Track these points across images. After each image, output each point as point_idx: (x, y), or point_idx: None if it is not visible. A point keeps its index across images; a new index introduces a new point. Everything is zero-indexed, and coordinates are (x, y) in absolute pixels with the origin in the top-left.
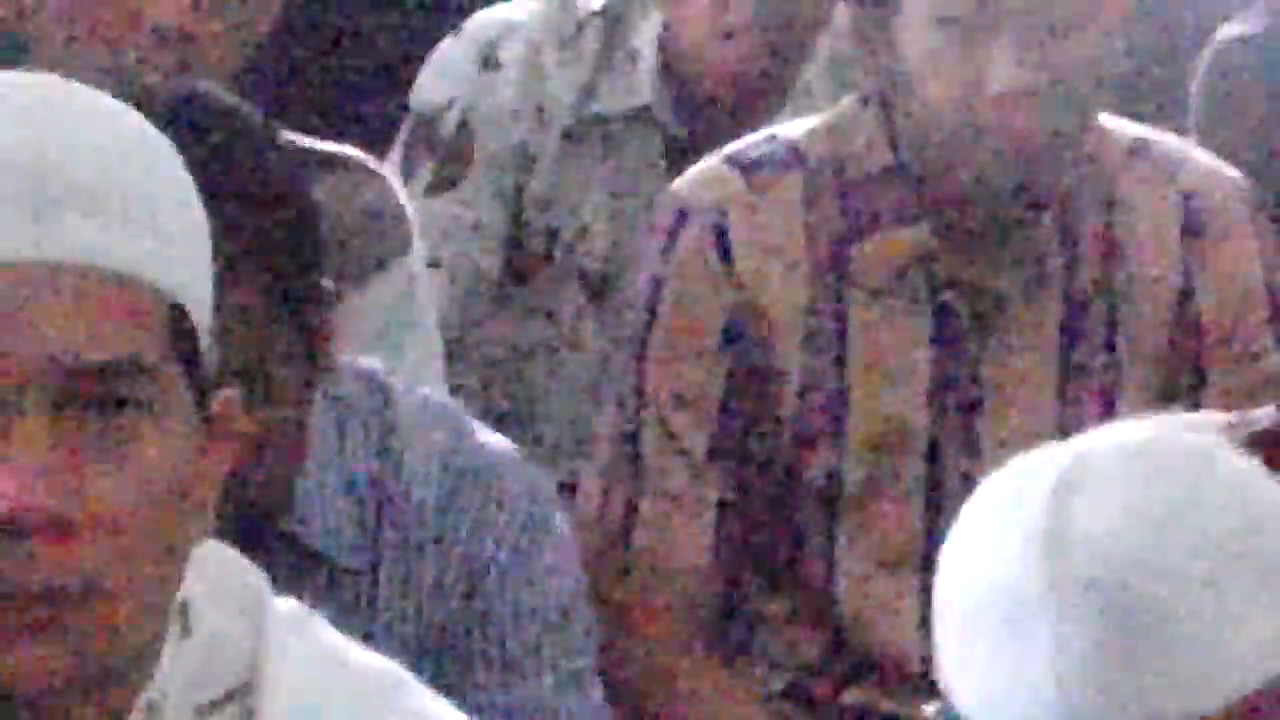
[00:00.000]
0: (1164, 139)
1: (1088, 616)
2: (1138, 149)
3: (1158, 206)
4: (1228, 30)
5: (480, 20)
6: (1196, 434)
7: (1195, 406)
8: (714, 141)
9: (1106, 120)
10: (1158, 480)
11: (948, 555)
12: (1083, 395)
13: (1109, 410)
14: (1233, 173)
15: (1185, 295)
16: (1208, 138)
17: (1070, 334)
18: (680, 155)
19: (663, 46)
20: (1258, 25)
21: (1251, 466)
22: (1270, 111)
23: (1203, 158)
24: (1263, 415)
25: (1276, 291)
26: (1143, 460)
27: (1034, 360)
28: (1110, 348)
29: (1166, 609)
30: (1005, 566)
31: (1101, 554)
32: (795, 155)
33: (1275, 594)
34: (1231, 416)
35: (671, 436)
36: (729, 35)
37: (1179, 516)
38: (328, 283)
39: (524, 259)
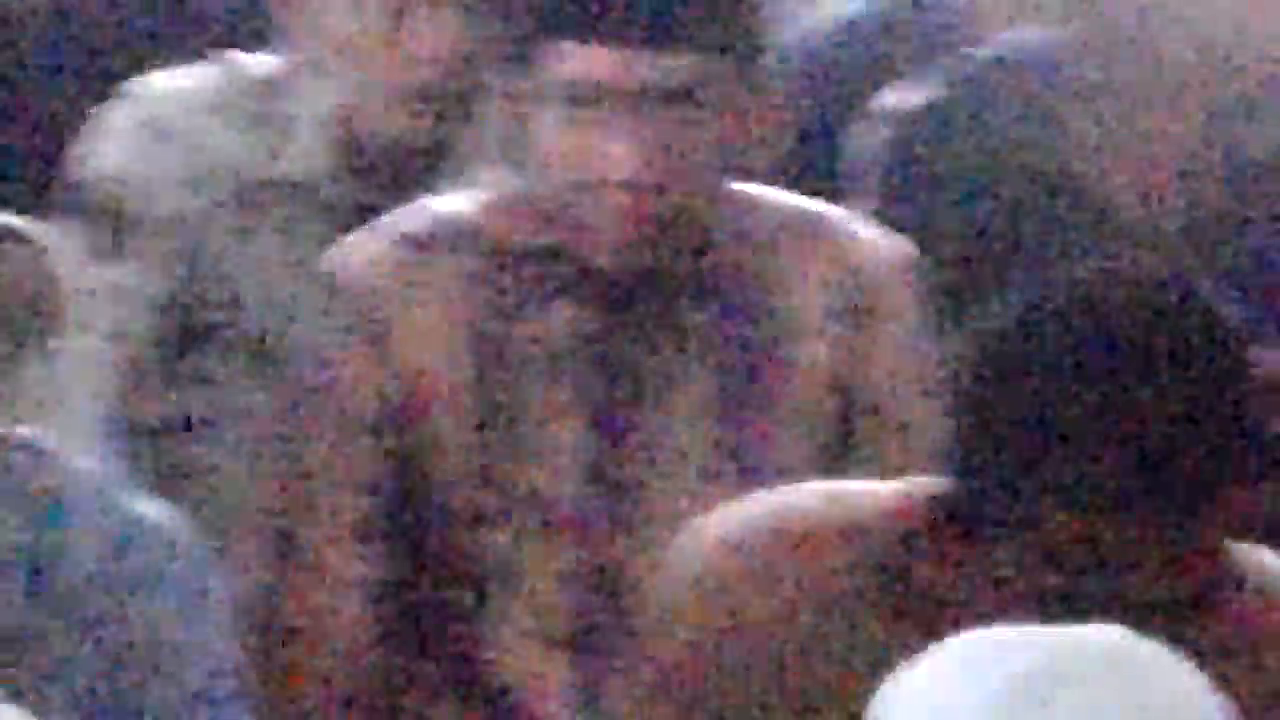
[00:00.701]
0: (823, 209)
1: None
2: (795, 220)
3: (816, 279)
4: (900, 99)
5: (144, 85)
6: (1149, 643)
7: (850, 477)
8: (378, 211)
9: (762, 192)
10: (1115, 693)
11: (888, 710)
12: (738, 476)
13: (764, 487)
14: (895, 242)
15: (843, 369)
16: (884, 203)
17: (726, 413)
18: (343, 226)
19: (329, 114)
20: (937, 94)
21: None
22: (951, 181)
23: (864, 228)
24: (929, 483)
25: (932, 361)
26: (1107, 670)
27: (689, 439)
28: (766, 426)
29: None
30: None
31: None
32: (456, 230)
33: None
34: (897, 486)
35: (328, 511)
36: (396, 102)
37: None
38: None
39: (185, 328)
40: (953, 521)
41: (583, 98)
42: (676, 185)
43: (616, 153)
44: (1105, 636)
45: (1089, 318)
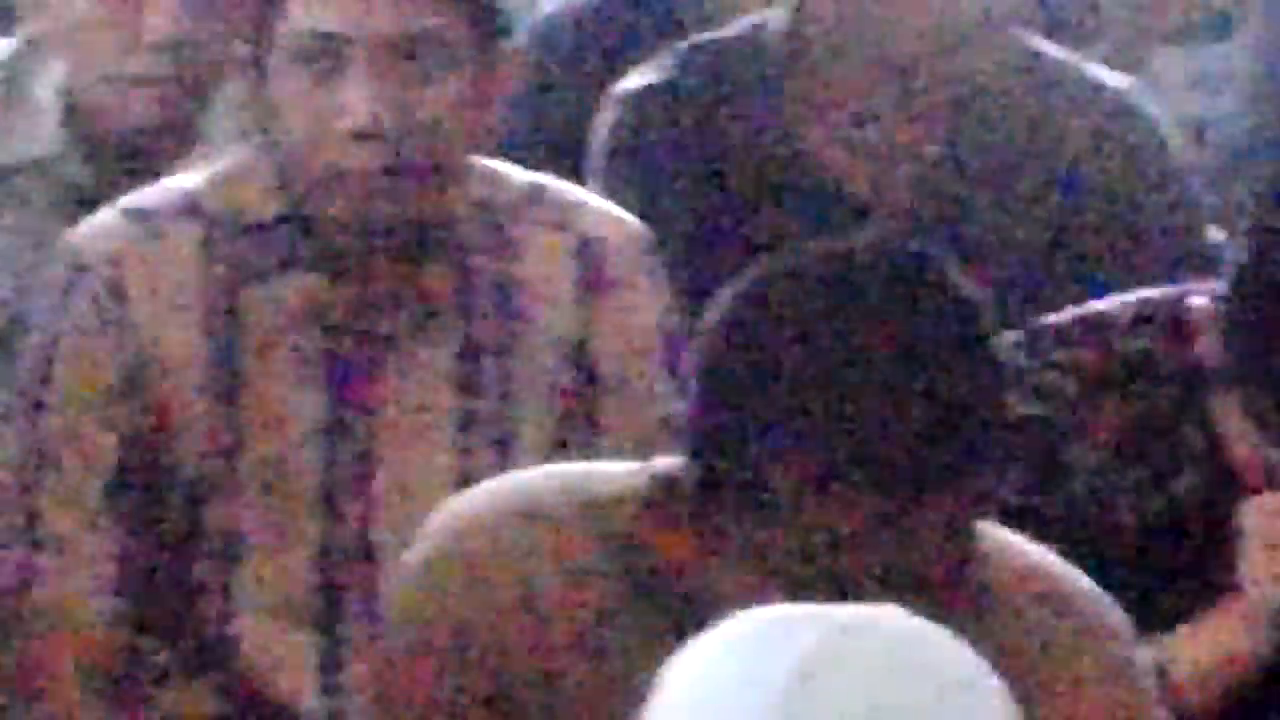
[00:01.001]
0: (562, 186)
1: None
2: (535, 195)
3: (554, 253)
4: (630, 81)
5: None
6: (925, 623)
7: (590, 454)
8: (118, 191)
9: (502, 167)
10: (898, 676)
11: (669, 692)
12: (478, 445)
13: (505, 460)
14: (632, 220)
15: (581, 342)
16: (612, 186)
17: (466, 382)
18: (83, 206)
19: (65, 94)
20: (661, 75)
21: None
22: (675, 162)
23: (601, 205)
24: (673, 463)
25: (671, 338)
26: (886, 653)
27: (428, 409)
28: (505, 396)
29: None
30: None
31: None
32: (191, 204)
33: None
34: (637, 465)
35: (68, 490)
36: (132, 83)
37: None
38: None
39: None
40: (690, 499)
41: (317, 49)
42: (412, 139)
43: (350, 102)
44: (885, 616)
45: (820, 292)
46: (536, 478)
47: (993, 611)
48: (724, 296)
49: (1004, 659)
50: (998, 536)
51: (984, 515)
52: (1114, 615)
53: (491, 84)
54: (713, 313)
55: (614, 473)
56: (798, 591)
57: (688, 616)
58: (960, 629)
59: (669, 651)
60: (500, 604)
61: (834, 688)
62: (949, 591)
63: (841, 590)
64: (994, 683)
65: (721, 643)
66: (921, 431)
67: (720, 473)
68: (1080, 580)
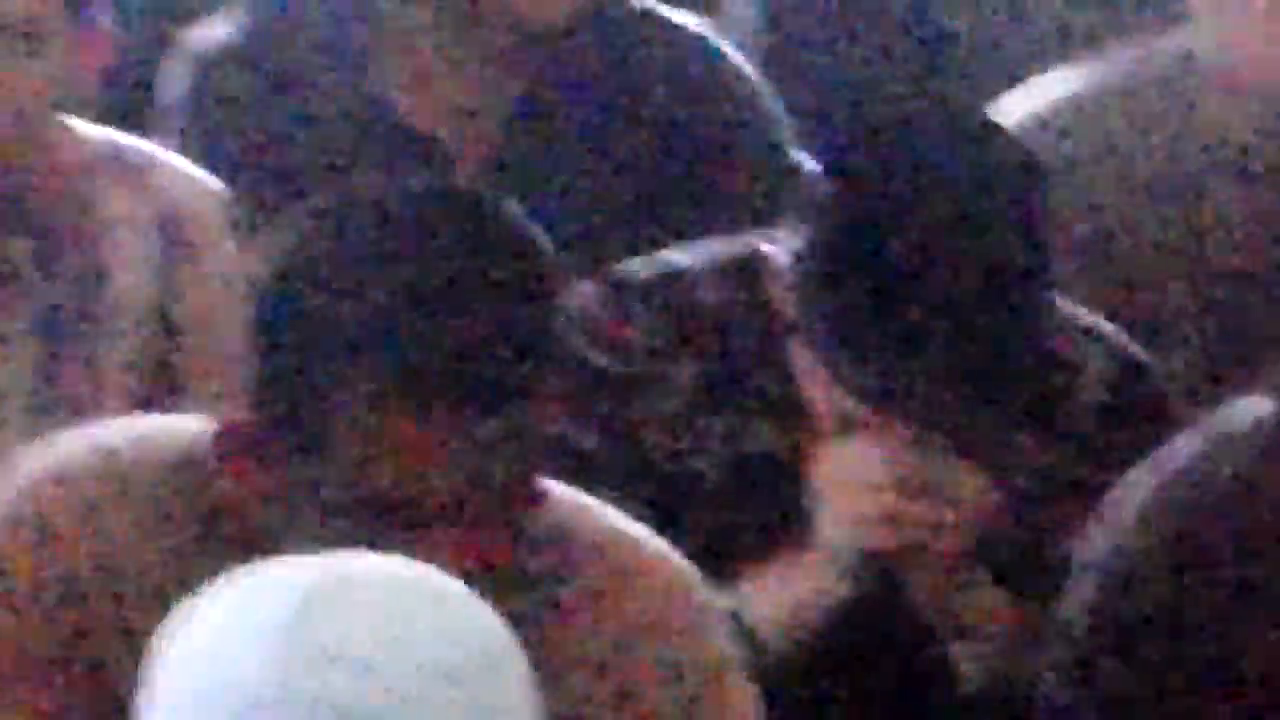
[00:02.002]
0: (141, 146)
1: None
2: (110, 156)
3: (132, 213)
4: (201, 39)
5: None
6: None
7: (172, 408)
8: None
9: (80, 124)
10: (401, 612)
11: (174, 643)
12: (62, 405)
13: (86, 417)
14: (213, 181)
15: (164, 304)
16: (189, 146)
17: (48, 342)
18: None
19: None
20: (234, 31)
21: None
22: (255, 122)
23: (181, 165)
24: (240, 413)
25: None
26: (392, 592)
27: (12, 370)
28: (89, 361)
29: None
30: (239, 670)
31: (339, 675)
32: None
33: None
34: (206, 416)
35: None
36: None
37: (415, 649)
38: None
39: None
40: (256, 442)
41: None
42: None
43: None
44: (395, 564)
45: (370, 229)
46: (109, 430)
47: (566, 579)
48: (277, 232)
49: (577, 625)
50: (575, 501)
51: (537, 450)
52: (688, 576)
53: (83, 54)
54: (268, 256)
55: (186, 423)
56: (355, 526)
57: (260, 558)
58: (529, 589)
59: None
60: (74, 559)
61: (335, 625)
62: (502, 527)
63: (396, 524)
64: (507, 644)
65: (224, 593)
66: (467, 354)
67: (281, 411)
68: (652, 542)
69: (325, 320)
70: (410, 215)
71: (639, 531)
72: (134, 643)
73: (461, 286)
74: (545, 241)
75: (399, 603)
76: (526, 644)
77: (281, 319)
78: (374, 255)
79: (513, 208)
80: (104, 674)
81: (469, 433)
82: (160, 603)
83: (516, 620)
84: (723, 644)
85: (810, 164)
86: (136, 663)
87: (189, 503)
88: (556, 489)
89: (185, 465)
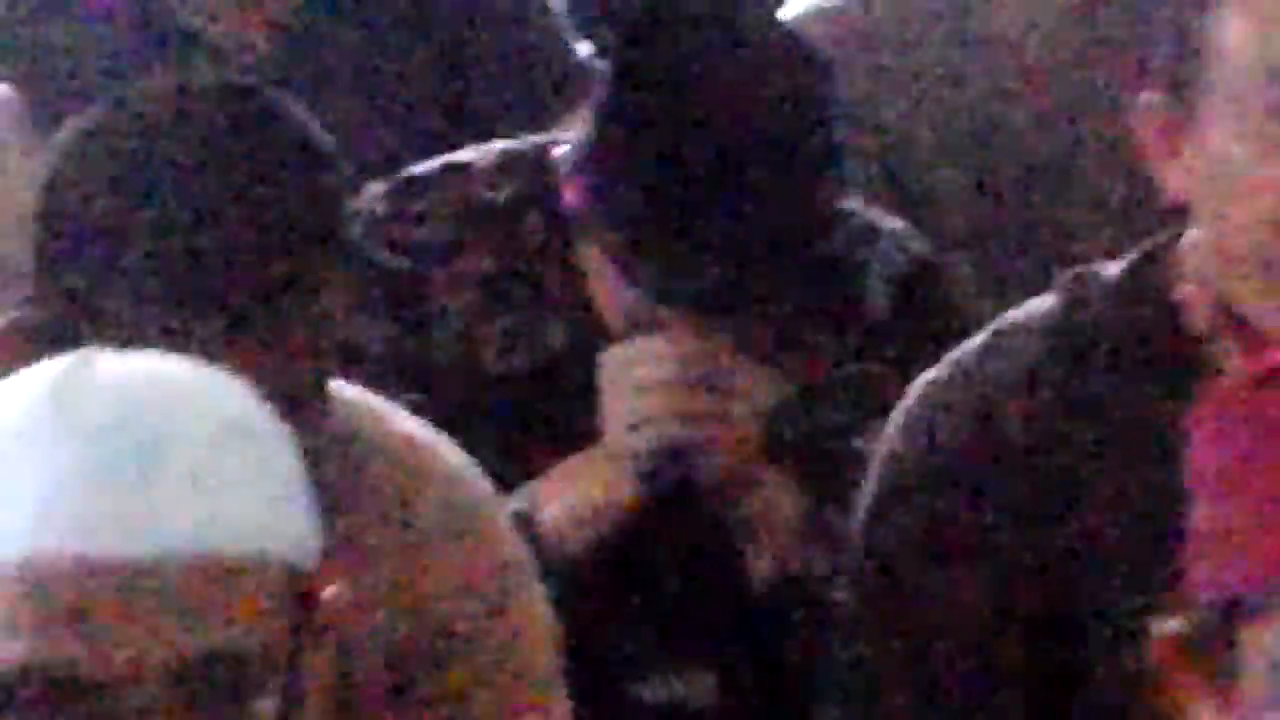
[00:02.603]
0: None
1: (84, 446)
2: None
3: None
4: None
5: None
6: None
7: None
8: None
9: None
10: (163, 371)
11: None
12: None
13: None
14: (2, 87)
15: None
16: None
17: None
18: None
19: None
20: None
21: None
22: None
23: None
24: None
25: None
26: (148, 372)
27: None
28: None
29: (165, 454)
30: (10, 412)
31: (111, 403)
32: None
33: (260, 488)
34: None
35: None
36: None
37: (190, 392)
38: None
39: None
40: (45, 347)
41: None
42: None
43: None
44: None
45: (146, 125)
46: None
47: (355, 485)
48: (58, 139)
49: (365, 531)
50: (363, 403)
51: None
52: (477, 485)
53: None
54: (49, 155)
55: None
56: None
57: None
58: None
59: None
60: None
61: (106, 367)
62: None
63: None
64: (272, 428)
65: None
66: (242, 256)
67: (54, 314)
68: (439, 445)
69: (98, 220)
70: (188, 113)
71: (426, 434)
72: None
73: (239, 185)
74: (327, 139)
75: (160, 366)
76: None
77: (57, 221)
78: (148, 155)
79: (293, 104)
80: None
81: (247, 339)
82: None
83: None
84: (514, 548)
85: (593, 58)
86: None
87: None
88: (345, 391)
89: None
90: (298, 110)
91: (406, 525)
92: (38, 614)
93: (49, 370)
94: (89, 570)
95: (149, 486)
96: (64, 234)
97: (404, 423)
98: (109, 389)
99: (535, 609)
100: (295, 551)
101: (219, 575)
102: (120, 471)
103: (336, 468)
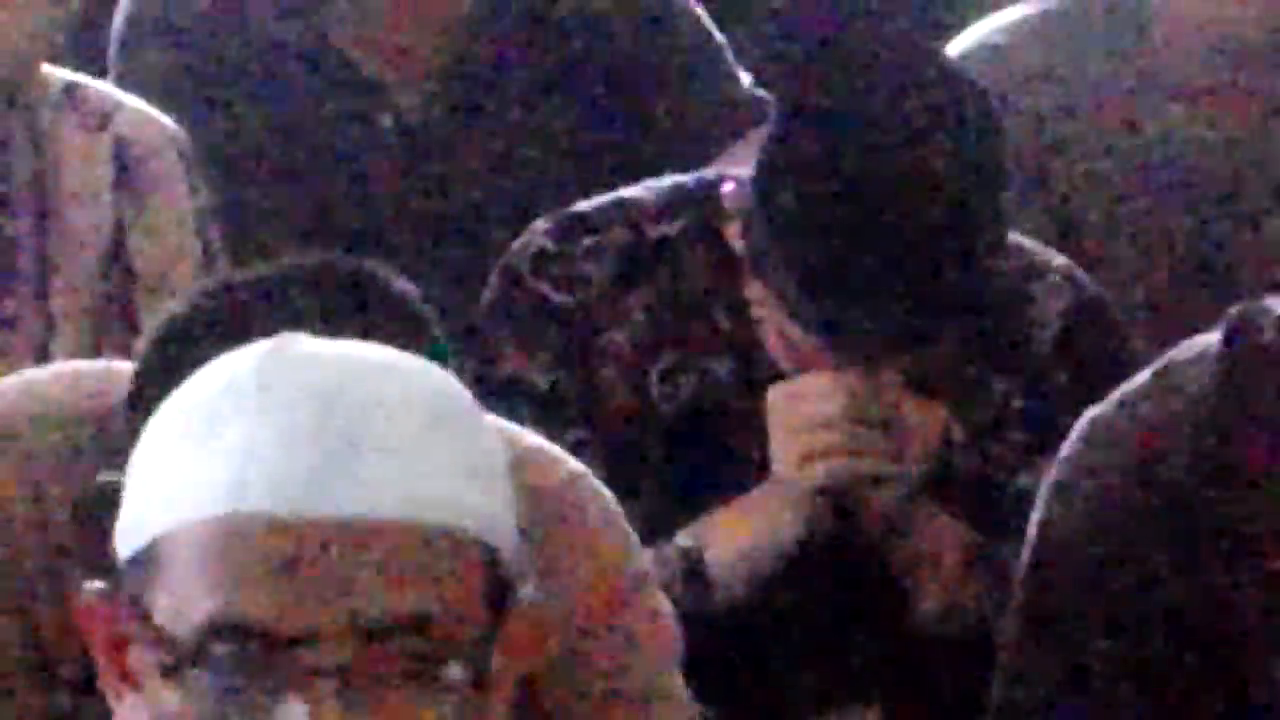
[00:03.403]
0: (100, 85)
1: (289, 412)
2: (69, 94)
3: (89, 154)
4: None
5: None
6: None
7: (128, 355)
8: None
9: (41, 67)
10: (367, 359)
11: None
12: (14, 347)
13: (43, 362)
14: (167, 122)
15: (118, 243)
16: (127, 79)
17: (3, 288)
18: None
19: None
20: None
21: None
22: (191, 54)
23: (137, 105)
24: None
25: (208, 240)
26: (355, 347)
27: None
28: (42, 297)
29: (372, 424)
30: (216, 381)
31: (317, 374)
32: None
33: (462, 465)
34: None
35: None
36: None
37: (395, 370)
38: None
39: None
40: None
41: None
42: None
43: None
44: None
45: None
46: (42, 375)
47: None
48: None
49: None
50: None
51: None
52: (606, 510)
53: None
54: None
55: (119, 372)
56: None
57: None
58: None
59: None
60: (11, 509)
61: (305, 356)
62: None
63: None
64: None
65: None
66: None
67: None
68: (569, 471)
69: None
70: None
71: (546, 448)
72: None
73: None
74: (430, 312)
75: (364, 348)
76: None
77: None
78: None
79: (398, 279)
80: (30, 605)
81: None
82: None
83: None
84: (633, 551)
85: (761, 97)
86: (58, 595)
87: (109, 450)
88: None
89: (108, 413)
90: (408, 288)
91: (540, 554)
92: (234, 570)
93: (255, 347)
94: (287, 528)
95: (353, 451)
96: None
97: (527, 438)
98: (314, 362)
99: (658, 623)
100: (492, 532)
101: (417, 541)
102: (325, 436)
103: None
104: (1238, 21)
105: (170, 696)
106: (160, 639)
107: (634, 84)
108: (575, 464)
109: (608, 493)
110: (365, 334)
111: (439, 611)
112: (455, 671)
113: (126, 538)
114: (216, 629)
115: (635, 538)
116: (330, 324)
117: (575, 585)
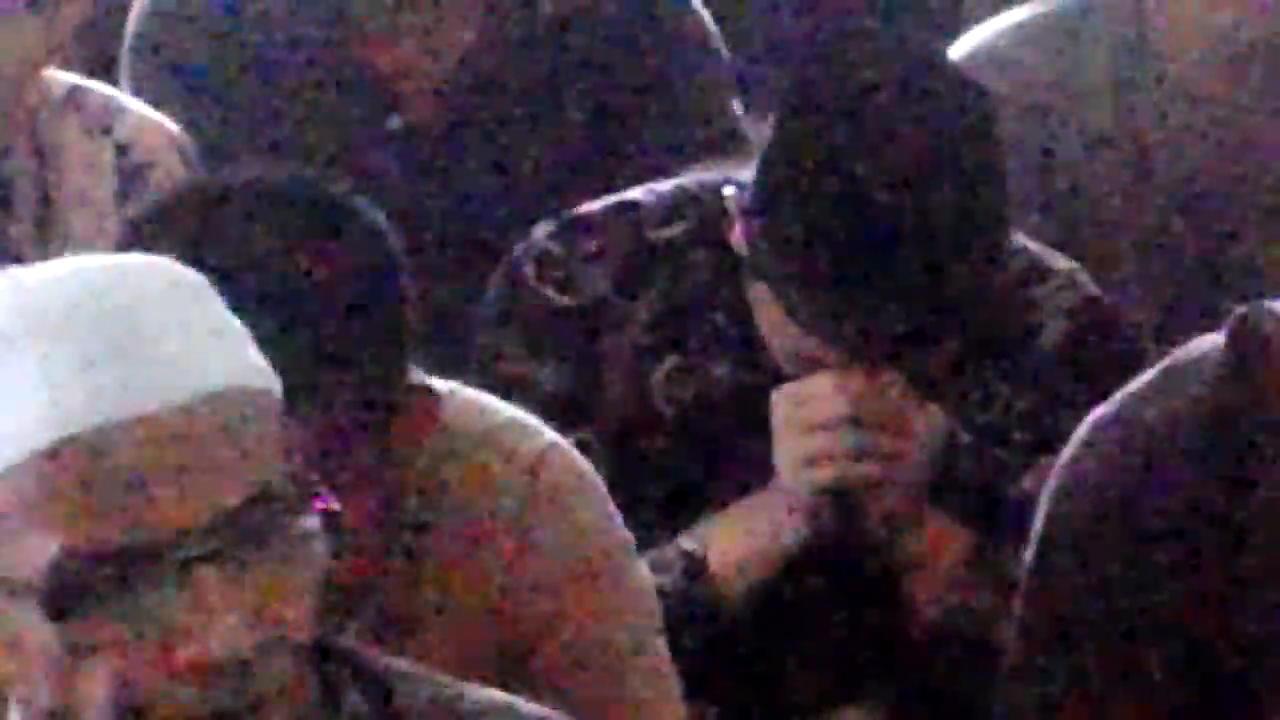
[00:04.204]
0: (100, 89)
1: (72, 332)
2: (72, 98)
3: (91, 158)
4: None
5: None
6: None
7: None
8: None
9: (46, 72)
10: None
11: None
12: None
13: None
14: (170, 126)
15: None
16: (139, 85)
17: None
18: None
19: None
20: None
21: None
22: (205, 58)
23: (141, 110)
24: None
25: None
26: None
27: None
28: None
29: (140, 318)
30: None
31: (75, 287)
32: None
33: (230, 330)
34: None
35: None
36: None
37: (126, 267)
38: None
39: None
40: None
41: None
42: None
43: None
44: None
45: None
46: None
47: (453, 461)
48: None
49: (457, 512)
50: (466, 397)
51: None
52: (585, 478)
53: None
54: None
55: None
56: None
57: None
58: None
59: None
60: None
61: (48, 284)
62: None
63: None
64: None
65: None
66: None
67: None
68: (547, 440)
69: None
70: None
71: (523, 419)
72: None
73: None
74: (394, 241)
75: (82, 261)
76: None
77: None
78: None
79: (365, 206)
80: None
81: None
82: None
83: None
84: (615, 561)
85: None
86: None
87: None
88: (449, 386)
89: None
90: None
91: (500, 507)
92: (71, 499)
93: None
94: (113, 441)
95: (140, 345)
96: None
97: (512, 413)
98: (59, 284)
99: (636, 588)
100: (270, 377)
101: (243, 413)
102: (107, 341)
103: (443, 454)
104: (1238, 21)
105: (24, 620)
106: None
107: (632, 89)
108: (554, 435)
109: (587, 465)
110: (323, 250)
111: (277, 478)
112: (309, 521)
113: None
114: (67, 564)
115: (614, 507)
116: (291, 238)
117: (553, 549)
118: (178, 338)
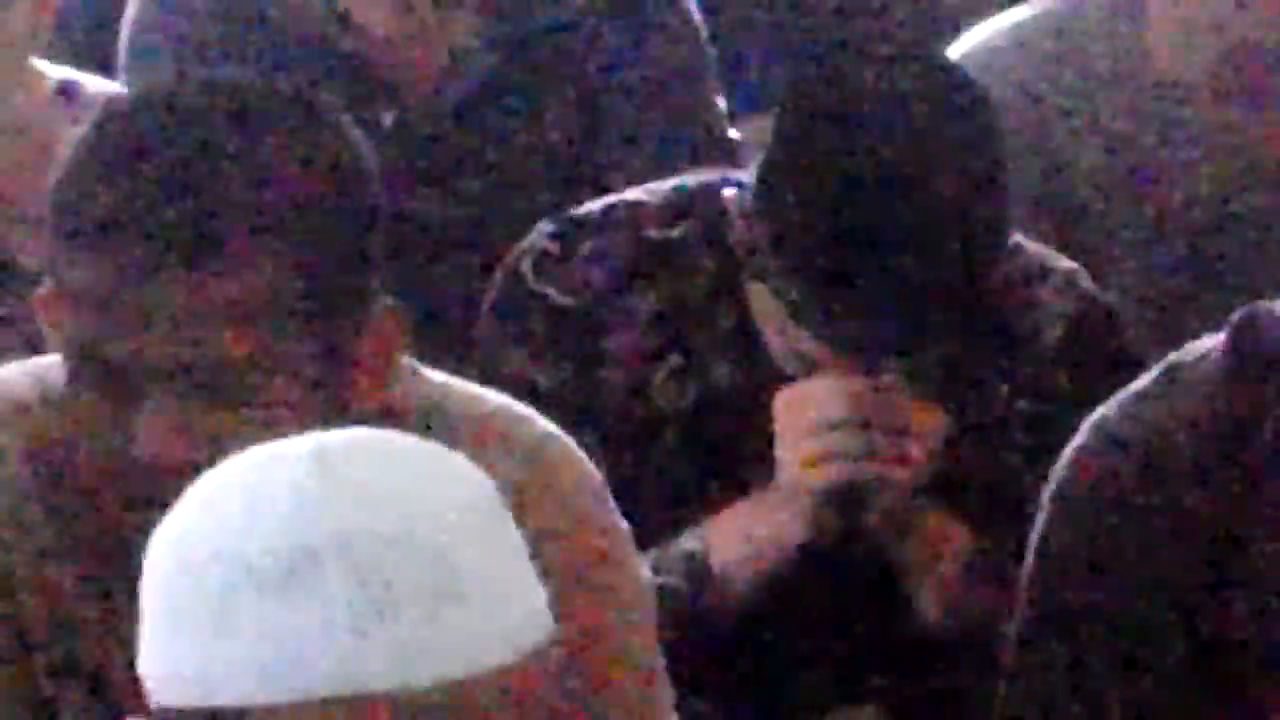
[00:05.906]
0: (93, 82)
1: (358, 570)
2: (64, 92)
3: None
4: None
5: None
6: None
7: None
8: None
9: (38, 64)
10: (408, 456)
11: (172, 532)
12: (10, 345)
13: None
14: None
15: None
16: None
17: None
18: None
19: None
20: None
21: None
22: (200, 52)
23: None
24: None
25: None
26: (385, 441)
27: None
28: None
29: (447, 564)
30: (258, 529)
31: (368, 511)
32: None
33: (522, 571)
34: None
35: None
36: None
37: (436, 484)
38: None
39: None
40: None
41: None
42: None
43: None
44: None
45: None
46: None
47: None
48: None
49: None
50: (460, 386)
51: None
52: (581, 467)
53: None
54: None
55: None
56: None
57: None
58: None
59: None
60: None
61: (351, 463)
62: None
63: None
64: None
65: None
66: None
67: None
68: (542, 428)
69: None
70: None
71: (512, 405)
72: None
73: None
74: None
75: (405, 454)
76: None
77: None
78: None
79: (339, 109)
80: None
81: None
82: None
83: None
84: (617, 548)
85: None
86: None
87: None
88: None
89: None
90: (345, 119)
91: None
92: None
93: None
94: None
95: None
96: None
97: (508, 403)
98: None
99: (633, 580)
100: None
101: None
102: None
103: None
104: (1238, 21)
105: None
106: None
107: (620, 89)
108: (551, 425)
109: (582, 455)
110: (286, 150)
111: None
112: None
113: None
114: None
115: (610, 497)
116: (256, 141)
117: (547, 536)
118: (485, 601)
